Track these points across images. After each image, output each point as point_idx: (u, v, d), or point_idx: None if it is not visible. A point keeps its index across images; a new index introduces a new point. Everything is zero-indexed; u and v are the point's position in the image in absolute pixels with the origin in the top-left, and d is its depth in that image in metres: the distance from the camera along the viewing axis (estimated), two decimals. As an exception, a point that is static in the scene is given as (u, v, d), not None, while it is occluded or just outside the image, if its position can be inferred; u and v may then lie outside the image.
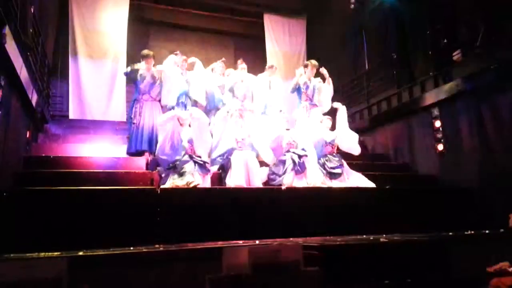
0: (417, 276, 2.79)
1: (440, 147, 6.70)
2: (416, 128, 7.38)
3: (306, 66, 6.85)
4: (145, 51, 6.17)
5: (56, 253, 2.36)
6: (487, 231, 4.42)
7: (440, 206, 5.40)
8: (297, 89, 6.77)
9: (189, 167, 4.97)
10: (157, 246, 3.42)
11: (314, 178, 5.48)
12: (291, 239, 4.01)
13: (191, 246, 2.67)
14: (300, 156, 5.58)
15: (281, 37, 10.50)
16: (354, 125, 7.97)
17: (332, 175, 5.84)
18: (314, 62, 6.85)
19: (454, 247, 3.56)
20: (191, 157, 5.14)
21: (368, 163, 7.21)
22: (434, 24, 7.40)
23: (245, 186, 5.18)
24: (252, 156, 5.58)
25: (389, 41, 8.40)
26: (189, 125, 5.48)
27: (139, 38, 6.54)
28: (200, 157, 5.29)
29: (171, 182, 4.92)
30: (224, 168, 5.57)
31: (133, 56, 7.36)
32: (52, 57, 8.27)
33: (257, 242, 3.92)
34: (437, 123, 6.81)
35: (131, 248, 3.07)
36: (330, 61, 8.61)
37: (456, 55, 6.84)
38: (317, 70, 6.83)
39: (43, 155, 5.61)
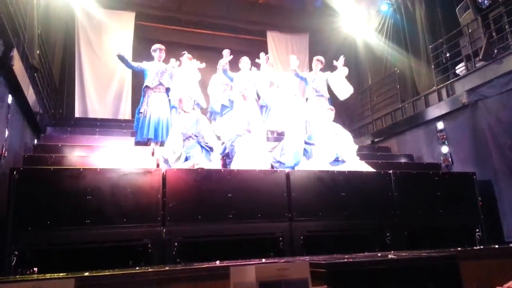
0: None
1: (447, 160, 6.67)
2: (423, 142, 7.36)
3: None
4: (157, 45, 6.46)
5: (62, 274, 2.35)
6: (497, 246, 4.34)
7: (444, 191, 5.36)
8: (304, 80, 7.08)
9: (196, 151, 5.16)
10: (162, 266, 3.40)
11: (320, 164, 5.55)
12: (298, 257, 3.97)
13: (197, 265, 2.65)
14: (307, 144, 5.68)
15: (284, 55, 10.58)
16: (359, 140, 8.00)
17: (336, 161, 5.89)
18: (317, 57, 7.22)
19: (465, 262, 3.52)
20: (198, 142, 5.29)
21: (373, 154, 7.34)
22: (436, 38, 7.48)
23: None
24: (255, 142, 5.62)
25: (392, 56, 8.46)
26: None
27: (145, 58, 6.74)
28: (207, 143, 5.42)
29: (177, 165, 5.03)
30: (229, 155, 5.64)
31: (138, 75, 7.49)
32: (59, 75, 8.39)
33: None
34: (443, 136, 6.80)
35: (137, 268, 3.05)
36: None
37: (459, 69, 6.88)
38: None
39: (51, 143, 5.71)
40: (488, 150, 5.93)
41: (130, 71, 8.64)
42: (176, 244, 4.14)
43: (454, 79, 6.79)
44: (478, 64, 6.30)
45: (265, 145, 5.94)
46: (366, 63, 9.50)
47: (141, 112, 6.11)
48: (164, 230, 4.17)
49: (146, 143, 6.02)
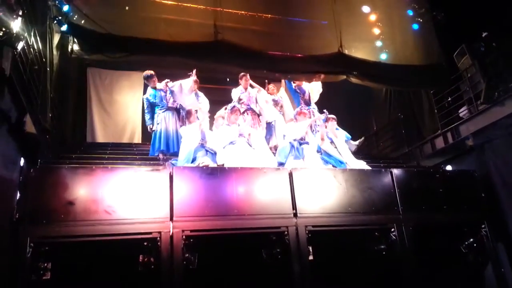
0: None
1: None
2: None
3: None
4: (145, 73, 7.06)
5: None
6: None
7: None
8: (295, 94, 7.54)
9: (201, 154, 5.70)
10: None
11: (313, 163, 5.78)
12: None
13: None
14: (300, 143, 6.02)
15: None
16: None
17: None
18: None
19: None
20: (202, 146, 5.86)
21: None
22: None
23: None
24: (250, 147, 5.95)
25: (394, 102, 8.58)
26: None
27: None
28: (210, 147, 5.91)
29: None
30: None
31: (146, 131, 7.76)
32: (71, 133, 8.58)
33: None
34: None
35: None
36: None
37: (462, 112, 6.93)
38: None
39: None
40: (496, 192, 5.84)
41: (140, 127, 8.90)
42: (183, 237, 4.31)
43: (458, 122, 6.81)
44: (481, 107, 6.36)
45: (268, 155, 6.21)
46: (369, 109, 9.61)
47: (153, 130, 6.82)
48: (172, 225, 4.35)
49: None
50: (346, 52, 6.94)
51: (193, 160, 5.57)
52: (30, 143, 4.53)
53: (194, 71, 6.59)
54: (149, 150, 6.78)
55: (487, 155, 6.08)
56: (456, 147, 6.72)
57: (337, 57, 6.88)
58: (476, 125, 6.34)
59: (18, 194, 4.18)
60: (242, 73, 7.20)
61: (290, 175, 4.99)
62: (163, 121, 6.80)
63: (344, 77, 7.08)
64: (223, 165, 5.58)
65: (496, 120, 5.97)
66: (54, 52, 6.01)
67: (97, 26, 5.75)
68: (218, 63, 6.50)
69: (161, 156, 6.51)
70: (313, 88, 7.52)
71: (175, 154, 6.22)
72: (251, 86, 7.35)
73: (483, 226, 5.41)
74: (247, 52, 6.44)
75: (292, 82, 7.58)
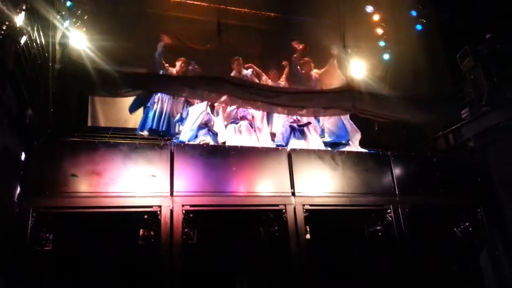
0: None
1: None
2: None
3: None
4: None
5: None
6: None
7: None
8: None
9: (203, 132, 5.94)
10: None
11: (314, 144, 5.93)
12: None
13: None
14: (300, 125, 6.11)
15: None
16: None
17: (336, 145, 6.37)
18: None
19: None
20: (206, 125, 6.09)
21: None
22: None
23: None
24: (249, 127, 6.09)
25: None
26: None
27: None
28: (213, 129, 6.21)
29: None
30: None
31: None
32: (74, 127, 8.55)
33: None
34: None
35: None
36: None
37: (464, 114, 6.89)
38: None
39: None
40: (492, 177, 5.89)
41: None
42: (183, 212, 4.40)
43: (460, 124, 6.78)
44: (483, 109, 6.33)
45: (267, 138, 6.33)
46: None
47: (148, 106, 6.77)
48: (172, 199, 4.44)
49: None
50: (354, 81, 6.67)
51: (195, 138, 5.73)
52: (31, 133, 4.54)
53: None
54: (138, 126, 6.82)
55: (488, 157, 6.06)
56: (458, 149, 6.69)
57: (345, 92, 6.47)
58: (478, 127, 6.32)
59: (22, 167, 4.26)
60: (235, 57, 7.10)
61: (289, 155, 5.07)
62: (160, 101, 6.85)
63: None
64: (224, 143, 5.63)
65: (498, 122, 5.96)
66: (57, 47, 6.00)
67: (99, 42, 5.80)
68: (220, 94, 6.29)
69: (146, 133, 6.56)
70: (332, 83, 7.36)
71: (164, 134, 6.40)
72: (245, 68, 7.29)
73: (479, 210, 5.49)
74: (255, 85, 6.41)
75: (298, 68, 7.37)
